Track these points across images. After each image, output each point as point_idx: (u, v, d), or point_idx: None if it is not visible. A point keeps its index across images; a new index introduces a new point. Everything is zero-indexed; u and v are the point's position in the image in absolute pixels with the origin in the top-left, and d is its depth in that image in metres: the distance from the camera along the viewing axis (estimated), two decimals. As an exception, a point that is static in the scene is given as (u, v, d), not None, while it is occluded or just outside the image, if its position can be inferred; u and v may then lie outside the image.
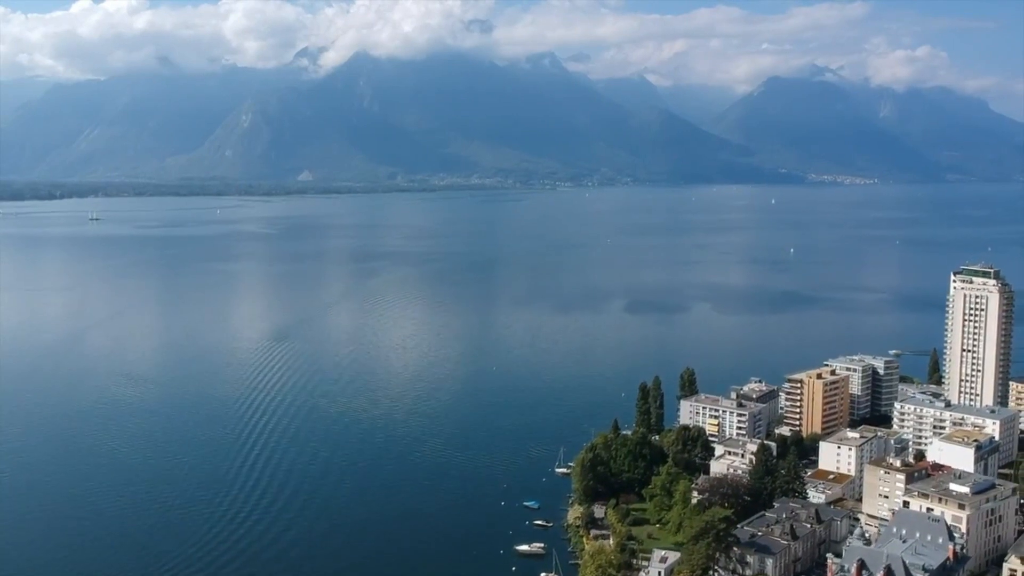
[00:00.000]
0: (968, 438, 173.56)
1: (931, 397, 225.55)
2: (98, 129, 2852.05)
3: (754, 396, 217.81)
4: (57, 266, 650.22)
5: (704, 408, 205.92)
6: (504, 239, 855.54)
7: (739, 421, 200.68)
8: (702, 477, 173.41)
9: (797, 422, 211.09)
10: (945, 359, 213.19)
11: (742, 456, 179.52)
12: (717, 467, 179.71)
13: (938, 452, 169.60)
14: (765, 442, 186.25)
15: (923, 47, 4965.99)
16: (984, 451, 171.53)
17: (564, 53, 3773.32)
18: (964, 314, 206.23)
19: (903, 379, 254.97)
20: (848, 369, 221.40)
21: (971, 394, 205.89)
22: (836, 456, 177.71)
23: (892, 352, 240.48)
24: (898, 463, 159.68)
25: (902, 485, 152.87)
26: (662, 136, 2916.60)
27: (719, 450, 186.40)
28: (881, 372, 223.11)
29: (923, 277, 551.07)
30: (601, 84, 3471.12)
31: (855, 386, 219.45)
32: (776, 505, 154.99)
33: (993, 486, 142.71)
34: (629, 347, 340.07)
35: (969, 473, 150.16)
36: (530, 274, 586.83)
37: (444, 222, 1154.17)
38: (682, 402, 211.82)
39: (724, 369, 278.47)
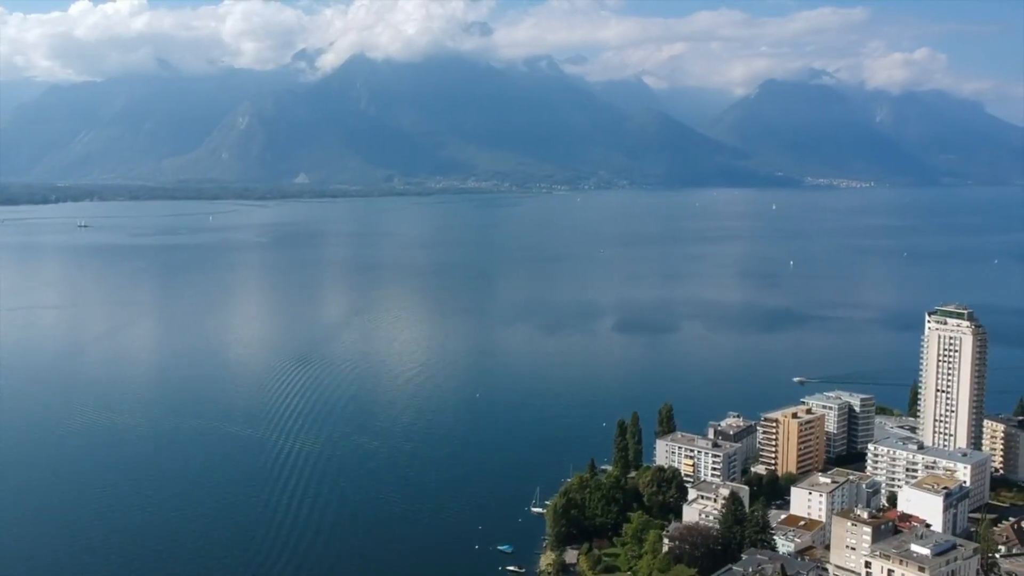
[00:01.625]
0: (938, 485, 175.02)
1: (908, 431, 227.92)
2: (95, 131, 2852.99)
3: (732, 432, 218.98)
4: (21, 282, 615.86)
5: (679, 448, 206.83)
6: (496, 249, 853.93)
7: (714, 462, 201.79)
8: (673, 525, 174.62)
9: (773, 461, 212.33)
10: (920, 399, 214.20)
11: (715, 500, 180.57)
12: (689, 512, 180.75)
13: (906, 502, 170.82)
14: (737, 485, 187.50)
15: (921, 50, 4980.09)
16: (954, 498, 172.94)
17: (562, 55, 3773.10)
18: (938, 354, 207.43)
19: (882, 410, 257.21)
20: (824, 407, 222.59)
21: (945, 434, 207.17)
22: (807, 502, 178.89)
23: (865, 396, 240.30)
24: (865, 515, 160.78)
25: (868, 538, 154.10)
26: (658, 139, 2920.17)
27: (692, 494, 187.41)
28: (857, 410, 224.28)
29: (921, 294, 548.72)
30: (598, 86, 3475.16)
31: (831, 424, 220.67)
32: (744, 557, 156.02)
33: (954, 547, 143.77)
34: (614, 373, 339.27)
35: (931, 533, 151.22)
36: (519, 290, 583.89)
37: (437, 229, 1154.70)
38: (658, 441, 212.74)
39: (706, 399, 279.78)
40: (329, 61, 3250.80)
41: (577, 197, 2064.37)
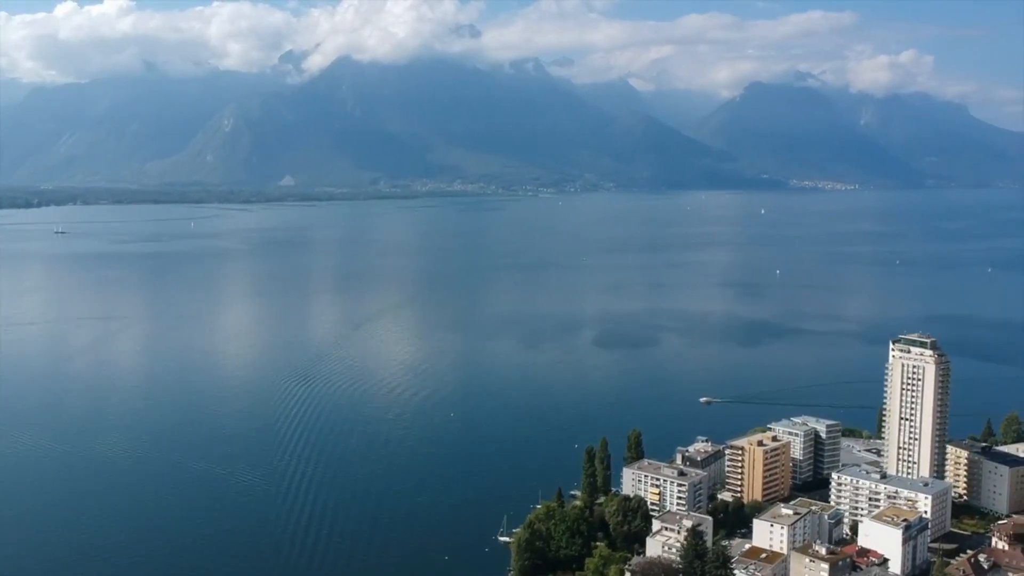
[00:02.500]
0: (898, 517, 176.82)
1: (876, 454, 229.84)
2: (79, 133, 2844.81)
3: (699, 459, 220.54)
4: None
5: (645, 477, 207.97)
6: (476, 257, 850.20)
7: (679, 491, 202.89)
8: (635, 559, 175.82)
9: (739, 490, 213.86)
10: (884, 426, 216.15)
11: (678, 532, 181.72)
12: (653, 545, 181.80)
13: (866, 536, 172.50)
14: (700, 516, 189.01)
15: (907, 52, 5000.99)
16: (913, 531, 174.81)
17: (549, 58, 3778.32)
18: (902, 383, 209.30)
19: (850, 432, 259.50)
20: (791, 433, 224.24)
21: (909, 462, 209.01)
22: (769, 534, 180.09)
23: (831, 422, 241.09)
24: (823, 551, 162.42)
25: (826, 574, 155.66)
26: (644, 141, 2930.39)
27: (656, 525, 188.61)
28: (824, 436, 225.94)
29: (916, 305, 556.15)
30: (584, 89, 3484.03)
31: (797, 450, 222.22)
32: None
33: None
34: (589, 392, 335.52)
35: (884, 573, 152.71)
36: (498, 303, 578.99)
37: (417, 235, 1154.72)
38: (624, 470, 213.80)
39: (678, 421, 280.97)
40: (316, 63, 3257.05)
41: (559, 200, 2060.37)
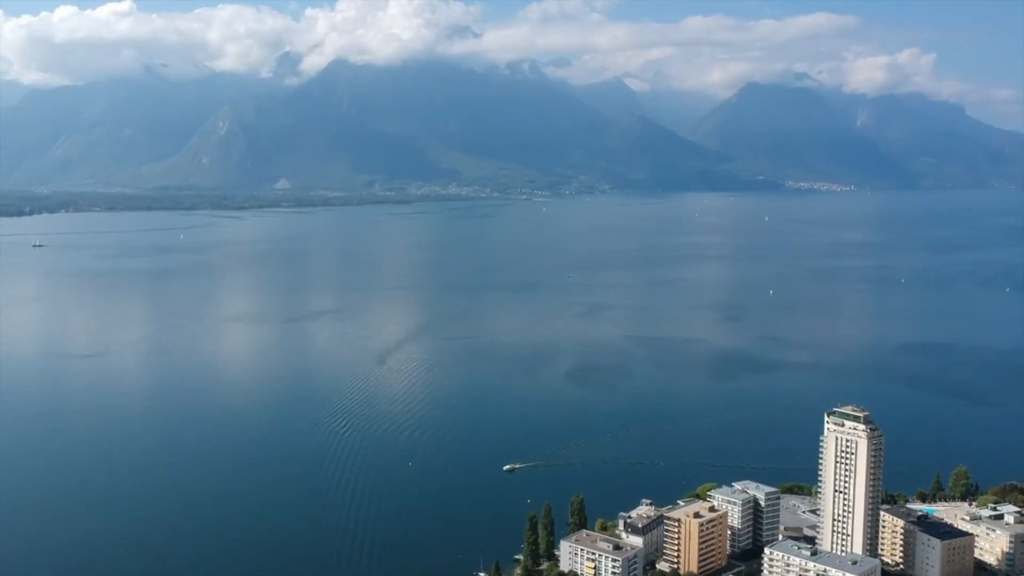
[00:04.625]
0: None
1: (818, 515, 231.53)
2: (74, 136, 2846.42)
3: (640, 525, 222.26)
4: None
5: (582, 551, 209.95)
6: (458, 274, 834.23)
7: (614, 567, 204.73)
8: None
9: (676, 561, 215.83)
10: (819, 499, 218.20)
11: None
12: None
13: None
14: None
15: (904, 53, 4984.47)
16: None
17: (547, 59, 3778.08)
18: (836, 456, 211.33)
19: (795, 489, 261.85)
20: (729, 501, 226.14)
21: (843, 534, 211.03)
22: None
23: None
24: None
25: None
26: (640, 143, 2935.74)
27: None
28: (763, 504, 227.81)
29: (929, 329, 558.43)
30: (580, 89, 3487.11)
31: (735, 519, 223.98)
32: None
33: None
34: (548, 436, 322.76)
35: None
36: (473, 330, 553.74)
37: (408, 247, 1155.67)
38: (562, 542, 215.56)
39: (626, 480, 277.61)
40: (311, 65, 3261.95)
41: (543, 207, 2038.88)
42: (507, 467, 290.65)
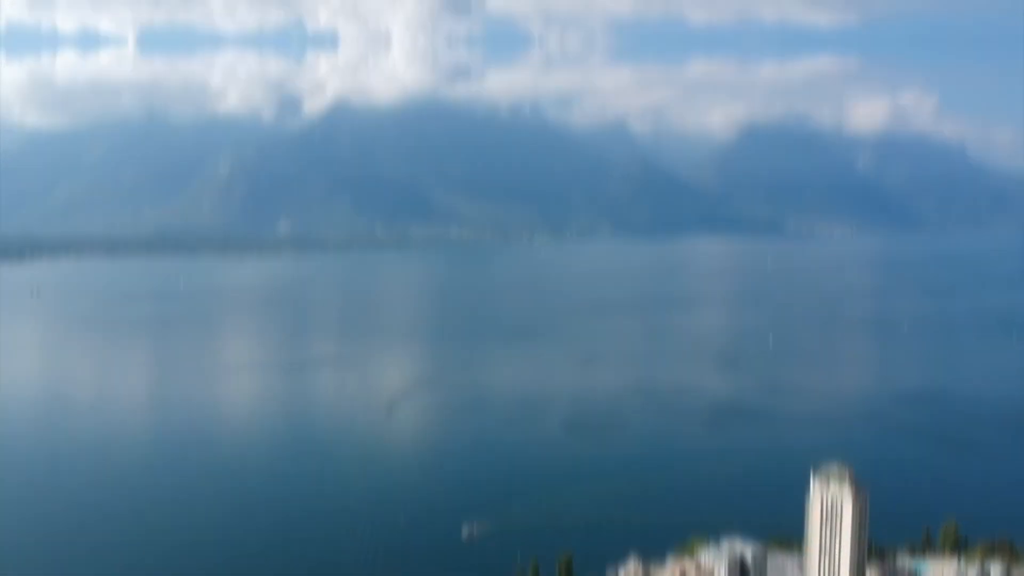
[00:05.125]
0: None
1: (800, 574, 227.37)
2: (76, 179, 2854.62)
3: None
4: None
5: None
6: (458, 324, 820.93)
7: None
8: None
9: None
10: (805, 559, 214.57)
11: None
12: None
13: None
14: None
15: (906, 95, 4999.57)
16: None
17: (547, 100, 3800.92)
18: (821, 516, 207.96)
19: (786, 544, 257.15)
20: (716, 559, 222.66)
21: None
22: None
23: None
24: None
25: None
26: (641, 184, 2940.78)
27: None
28: (749, 562, 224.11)
29: (928, 379, 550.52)
30: (581, 131, 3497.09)
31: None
32: None
33: None
34: (533, 489, 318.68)
35: None
36: (467, 383, 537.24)
37: (402, 297, 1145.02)
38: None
39: (615, 533, 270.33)
40: (313, 107, 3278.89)
41: (540, 251, 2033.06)
42: (478, 526, 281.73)
